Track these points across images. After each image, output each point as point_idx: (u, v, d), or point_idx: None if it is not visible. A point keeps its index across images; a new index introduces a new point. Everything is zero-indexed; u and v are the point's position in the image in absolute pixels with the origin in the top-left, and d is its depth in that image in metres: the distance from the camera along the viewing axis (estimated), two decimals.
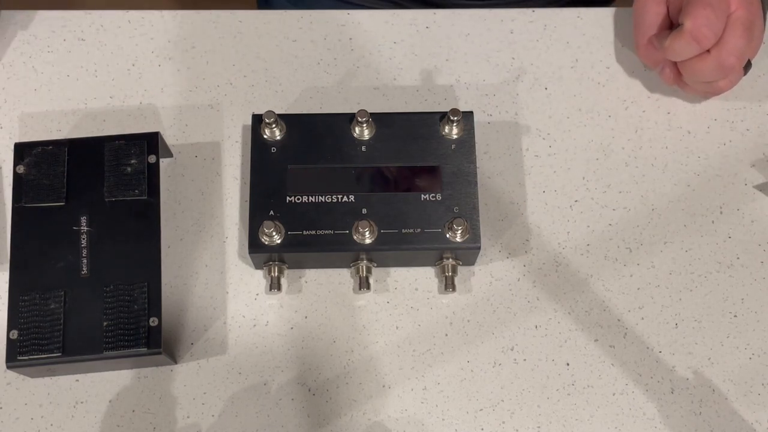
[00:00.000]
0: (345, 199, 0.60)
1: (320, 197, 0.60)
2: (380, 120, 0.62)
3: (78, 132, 0.65)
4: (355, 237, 0.59)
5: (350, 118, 0.61)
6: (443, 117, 0.61)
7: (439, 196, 0.60)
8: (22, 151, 0.60)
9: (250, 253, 0.59)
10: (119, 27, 0.69)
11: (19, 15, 0.69)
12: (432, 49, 0.69)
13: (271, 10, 0.71)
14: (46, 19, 0.69)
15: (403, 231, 0.59)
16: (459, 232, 0.58)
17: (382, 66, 0.68)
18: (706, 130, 0.67)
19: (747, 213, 0.64)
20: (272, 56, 0.68)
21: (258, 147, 0.61)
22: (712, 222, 0.64)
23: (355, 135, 0.61)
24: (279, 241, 0.59)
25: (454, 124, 0.61)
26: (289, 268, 0.61)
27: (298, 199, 0.60)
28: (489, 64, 0.68)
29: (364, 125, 0.61)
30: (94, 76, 0.67)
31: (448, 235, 0.59)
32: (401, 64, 0.68)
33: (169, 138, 0.65)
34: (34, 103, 0.66)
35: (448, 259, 0.60)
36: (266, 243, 0.58)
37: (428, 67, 0.68)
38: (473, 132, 0.62)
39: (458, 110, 0.60)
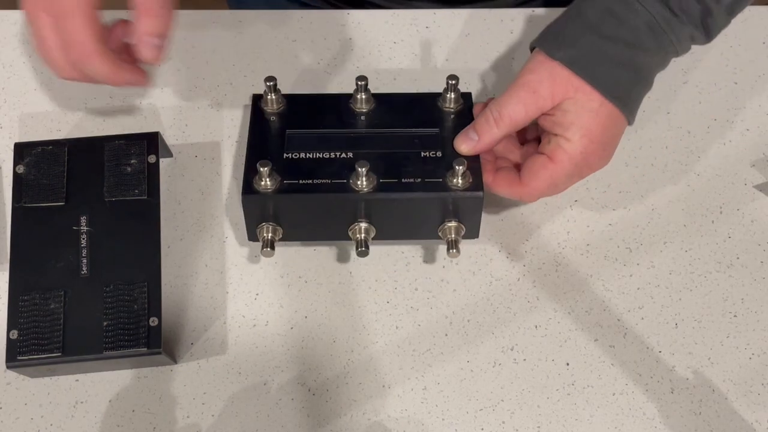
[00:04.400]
0: (344, 155, 0.59)
1: (318, 154, 0.59)
2: (379, 98, 0.61)
3: (78, 132, 0.65)
4: (352, 184, 0.57)
5: (350, 96, 0.61)
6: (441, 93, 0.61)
7: (439, 153, 0.59)
8: (22, 151, 0.60)
9: (243, 195, 0.56)
10: None
11: (19, 15, 0.69)
12: (432, 49, 0.69)
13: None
14: None
15: (403, 180, 0.57)
16: (460, 178, 0.57)
17: (382, 66, 0.68)
18: (706, 130, 0.67)
19: (747, 213, 0.64)
20: (272, 56, 0.68)
21: (257, 119, 0.60)
22: (712, 222, 0.64)
23: (355, 109, 0.61)
24: (274, 187, 0.56)
25: (452, 91, 0.60)
26: (282, 239, 0.59)
27: (296, 155, 0.59)
28: (489, 64, 0.68)
29: (363, 95, 0.60)
30: None
31: (449, 183, 0.57)
32: (401, 64, 0.68)
33: (169, 138, 0.65)
34: (34, 102, 0.66)
35: (450, 222, 0.58)
36: (260, 188, 0.56)
37: (428, 66, 0.68)
38: (471, 107, 0.61)
39: (455, 75, 0.60)
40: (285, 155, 0.58)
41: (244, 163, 0.58)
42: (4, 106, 0.66)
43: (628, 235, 0.64)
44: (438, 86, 0.67)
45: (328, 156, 0.58)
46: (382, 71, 0.68)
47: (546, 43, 0.58)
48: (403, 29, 0.69)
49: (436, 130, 0.60)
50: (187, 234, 0.63)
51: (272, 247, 0.58)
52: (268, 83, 0.59)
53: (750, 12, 0.69)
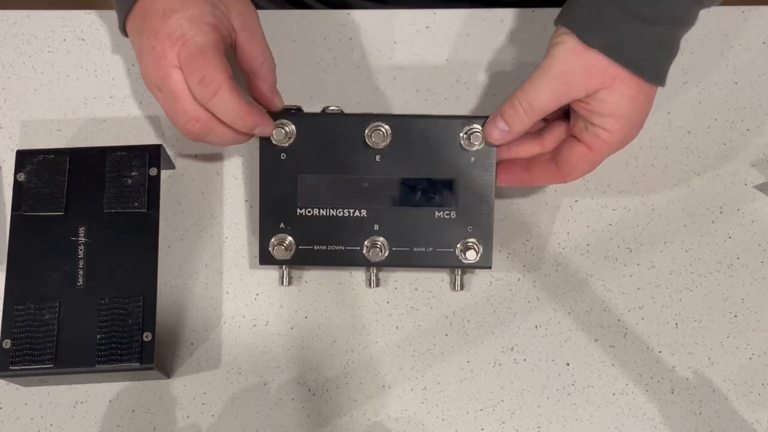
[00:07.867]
0: (357, 213, 0.59)
1: (332, 211, 0.59)
2: (398, 126, 0.59)
3: (77, 132, 0.65)
4: (365, 254, 0.59)
5: (364, 123, 0.59)
6: (466, 125, 0.59)
7: (453, 214, 0.59)
8: (23, 158, 0.59)
9: (261, 263, 0.59)
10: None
11: (18, 15, 0.69)
12: (432, 49, 0.69)
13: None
14: (45, 19, 0.69)
15: (415, 249, 0.59)
16: (470, 253, 0.58)
17: (382, 66, 0.68)
18: (706, 130, 0.66)
19: (747, 213, 0.64)
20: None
21: (267, 154, 0.59)
22: (712, 222, 0.64)
23: (369, 143, 0.59)
24: (290, 257, 0.59)
25: (476, 133, 0.58)
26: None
27: (309, 212, 0.59)
28: (489, 64, 0.68)
29: (380, 138, 0.59)
30: (94, 76, 0.67)
31: (459, 257, 0.59)
32: (401, 64, 0.68)
33: (169, 137, 0.65)
34: (34, 102, 0.66)
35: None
36: (277, 257, 0.59)
37: (428, 67, 0.68)
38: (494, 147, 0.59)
39: (475, 126, 0.58)
40: (299, 211, 0.59)
41: (254, 190, 0.58)
42: (4, 106, 0.66)
43: (628, 235, 0.64)
44: (438, 86, 0.67)
45: (341, 214, 0.59)
46: (382, 71, 0.68)
47: (578, 26, 0.54)
48: (403, 29, 0.69)
49: (453, 178, 0.59)
50: (187, 234, 0.63)
51: (290, 283, 0.61)
52: (279, 127, 0.59)
53: (750, 12, 0.69)
